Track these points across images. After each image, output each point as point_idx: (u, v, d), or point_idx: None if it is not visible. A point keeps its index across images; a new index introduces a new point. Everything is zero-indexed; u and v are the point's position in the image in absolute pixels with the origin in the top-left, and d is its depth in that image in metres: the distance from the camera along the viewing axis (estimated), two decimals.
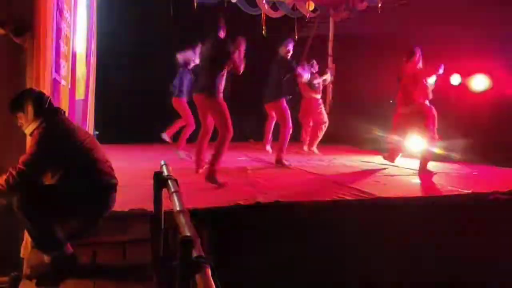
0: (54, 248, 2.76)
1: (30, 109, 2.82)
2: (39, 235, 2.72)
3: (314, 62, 7.81)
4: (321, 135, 7.73)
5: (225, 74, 5.05)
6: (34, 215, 2.66)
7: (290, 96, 6.61)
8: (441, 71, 5.83)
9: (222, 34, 5.19)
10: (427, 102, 5.76)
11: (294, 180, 5.14)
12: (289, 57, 6.51)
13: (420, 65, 5.86)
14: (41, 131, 2.77)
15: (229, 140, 4.88)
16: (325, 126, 7.70)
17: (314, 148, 7.71)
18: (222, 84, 5.01)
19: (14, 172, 2.67)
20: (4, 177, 2.69)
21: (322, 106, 7.80)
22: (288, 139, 6.38)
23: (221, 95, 4.98)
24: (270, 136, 7.16)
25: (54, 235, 2.73)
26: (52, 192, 2.79)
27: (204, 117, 5.22)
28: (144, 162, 6.35)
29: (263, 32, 8.20)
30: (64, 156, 2.80)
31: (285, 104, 6.40)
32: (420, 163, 5.66)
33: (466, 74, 7.82)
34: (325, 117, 7.73)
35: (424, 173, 5.54)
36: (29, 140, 2.94)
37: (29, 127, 2.85)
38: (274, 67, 6.54)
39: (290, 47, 6.54)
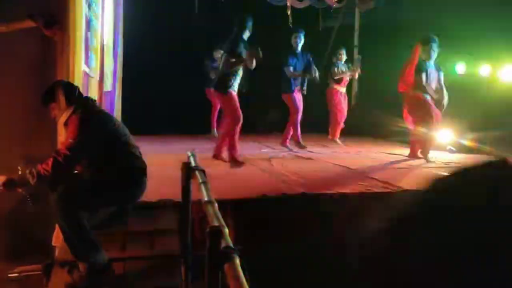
0: (91, 253, 2.69)
1: (61, 98, 2.85)
2: (75, 237, 2.64)
3: (342, 52, 7.68)
4: (338, 126, 7.62)
5: (238, 71, 5.30)
6: (71, 210, 2.63)
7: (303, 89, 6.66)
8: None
9: (246, 34, 5.27)
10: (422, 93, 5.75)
11: (319, 172, 5.11)
12: (296, 49, 6.67)
13: (426, 55, 5.78)
14: (78, 116, 2.79)
15: (237, 130, 5.31)
16: (343, 117, 7.61)
17: (337, 139, 7.62)
18: (234, 80, 5.31)
19: (59, 158, 2.67)
20: (49, 162, 2.67)
21: (340, 98, 7.63)
22: (293, 129, 6.66)
23: (230, 90, 5.26)
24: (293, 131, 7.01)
25: (90, 238, 2.69)
26: (91, 183, 2.82)
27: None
28: (171, 153, 6.41)
29: (289, 23, 8.12)
30: (103, 140, 2.84)
31: (291, 95, 6.53)
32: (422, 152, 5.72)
33: (496, 64, 7.60)
34: (344, 110, 7.64)
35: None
36: (60, 130, 2.99)
37: (62, 117, 2.87)
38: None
39: (294, 39, 6.67)
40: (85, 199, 2.73)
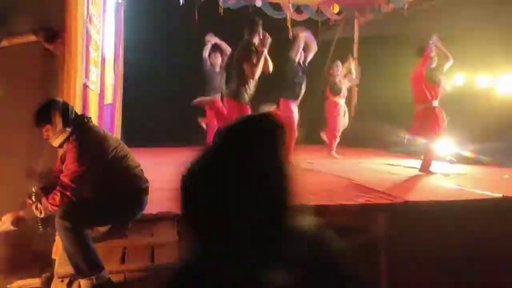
0: (93, 270, 2.68)
1: (58, 120, 2.76)
2: (78, 254, 2.64)
3: (339, 63, 7.73)
4: (335, 140, 7.64)
5: (249, 79, 5.15)
6: (77, 226, 2.63)
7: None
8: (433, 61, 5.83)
9: (255, 38, 5.23)
10: (435, 102, 5.70)
11: (319, 184, 5.10)
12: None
13: (432, 65, 5.80)
14: (76, 144, 2.75)
15: None
16: (338, 132, 7.62)
17: (333, 153, 7.60)
18: (244, 88, 5.18)
19: (67, 192, 2.65)
20: (56, 198, 2.65)
21: (340, 111, 7.67)
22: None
23: (239, 99, 5.15)
24: None
25: (92, 255, 2.69)
26: (92, 202, 2.82)
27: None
28: (171, 166, 6.42)
29: (290, 36, 8.18)
30: (102, 165, 2.81)
31: (288, 105, 6.44)
32: (423, 162, 5.69)
33: (495, 74, 7.64)
34: (340, 124, 7.64)
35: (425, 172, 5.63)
36: (59, 150, 2.98)
37: (57, 139, 2.81)
38: None
39: None
40: (87, 217, 2.74)
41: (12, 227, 2.66)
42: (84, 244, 2.65)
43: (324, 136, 7.75)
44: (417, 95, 5.85)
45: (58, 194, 2.66)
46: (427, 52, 5.82)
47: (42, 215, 2.68)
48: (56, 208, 2.65)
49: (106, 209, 2.85)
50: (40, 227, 2.84)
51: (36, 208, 2.65)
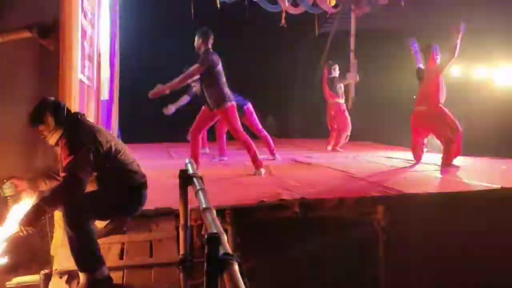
0: (95, 265, 2.66)
1: (50, 119, 2.79)
2: (82, 248, 2.63)
3: (336, 66, 7.77)
4: (346, 138, 7.77)
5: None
6: (82, 219, 2.63)
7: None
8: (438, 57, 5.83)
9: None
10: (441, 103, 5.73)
11: (318, 178, 5.10)
12: None
13: (439, 62, 5.79)
14: (69, 140, 2.75)
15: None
16: (349, 130, 7.74)
17: (338, 148, 7.71)
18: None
19: (73, 184, 2.63)
20: (63, 189, 2.64)
21: (344, 113, 7.79)
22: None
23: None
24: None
25: (96, 250, 2.68)
26: (91, 197, 2.81)
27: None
28: (168, 161, 6.43)
29: (283, 23, 8.13)
30: (96, 158, 2.78)
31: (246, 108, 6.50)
32: (443, 158, 5.61)
33: (492, 66, 7.64)
34: (349, 121, 7.75)
35: (448, 167, 5.52)
36: (57, 148, 2.97)
37: (52, 138, 2.83)
38: None
39: None
40: (92, 211, 2.73)
41: (30, 228, 2.60)
42: (89, 238, 2.65)
43: (331, 144, 7.77)
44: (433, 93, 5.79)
45: (65, 184, 2.65)
46: (435, 49, 5.79)
47: (52, 208, 2.65)
48: (64, 199, 2.63)
49: (108, 202, 2.85)
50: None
51: (44, 202, 2.60)
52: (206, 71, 5.11)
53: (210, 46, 5.22)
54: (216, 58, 5.16)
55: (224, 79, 5.23)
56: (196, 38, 5.25)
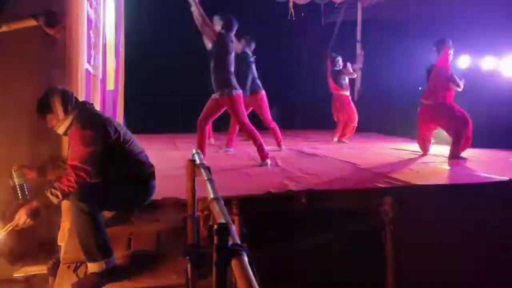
0: (103, 255, 2.66)
1: (59, 108, 2.79)
2: (90, 238, 2.62)
3: (339, 58, 7.72)
4: (353, 129, 7.75)
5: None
6: (93, 208, 2.61)
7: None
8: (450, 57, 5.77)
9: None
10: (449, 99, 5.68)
11: (325, 169, 5.08)
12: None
13: (451, 57, 5.73)
14: (79, 128, 2.75)
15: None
16: (356, 121, 7.71)
17: (344, 139, 7.69)
18: None
19: (82, 173, 2.62)
20: (71, 179, 2.60)
21: (350, 104, 7.76)
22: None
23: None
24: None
25: (104, 240, 2.68)
26: (104, 185, 2.82)
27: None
28: (175, 151, 6.42)
29: (291, 14, 8.09)
30: (106, 149, 2.78)
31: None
32: (451, 150, 5.58)
33: (500, 58, 7.54)
34: (355, 113, 7.73)
35: (455, 159, 5.49)
36: (64, 138, 2.96)
37: (61, 127, 2.83)
38: None
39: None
40: (102, 200, 2.73)
41: (29, 221, 2.60)
42: (98, 228, 2.64)
43: (337, 135, 7.74)
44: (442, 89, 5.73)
45: (73, 174, 2.62)
46: (448, 44, 5.72)
47: (59, 200, 2.62)
48: (72, 190, 2.61)
49: (117, 192, 2.84)
50: (19, 196, 2.79)
51: (52, 193, 2.59)
52: (220, 53, 5.14)
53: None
54: (232, 47, 5.24)
55: (233, 69, 5.25)
56: (218, 20, 5.27)
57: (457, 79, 5.69)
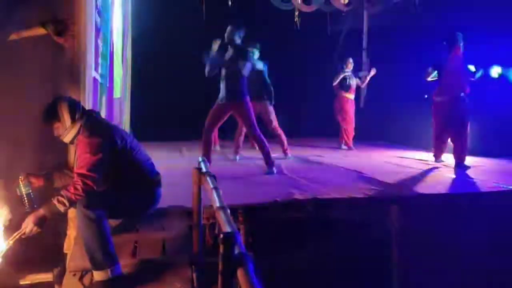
0: (109, 263, 2.64)
1: (66, 116, 2.80)
2: (96, 246, 2.61)
3: (350, 60, 7.70)
4: (350, 135, 7.75)
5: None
6: (100, 216, 2.61)
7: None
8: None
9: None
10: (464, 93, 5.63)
11: (330, 177, 5.07)
12: None
13: (462, 49, 5.69)
14: (87, 136, 2.76)
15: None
16: (351, 127, 7.73)
17: (351, 145, 7.70)
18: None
19: (88, 181, 2.62)
20: (78, 187, 2.61)
21: (351, 107, 7.77)
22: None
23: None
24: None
25: (110, 248, 2.67)
26: (111, 193, 2.83)
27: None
28: (181, 159, 6.43)
29: (296, 24, 8.12)
30: (112, 157, 2.79)
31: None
32: (455, 156, 5.55)
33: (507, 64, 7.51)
34: (352, 120, 7.74)
35: (460, 168, 5.43)
36: (71, 146, 2.97)
37: (68, 135, 2.83)
38: None
39: None
40: (109, 208, 2.73)
41: (36, 229, 2.60)
42: (104, 236, 2.63)
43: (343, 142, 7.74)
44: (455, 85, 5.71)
45: (80, 182, 2.62)
46: (458, 37, 5.68)
47: (66, 208, 2.63)
48: (79, 198, 2.61)
49: (123, 200, 2.85)
50: (27, 205, 2.79)
51: (59, 201, 2.59)
52: (236, 61, 5.24)
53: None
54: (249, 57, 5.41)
55: (246, 76, 5.35)
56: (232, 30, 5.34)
57: (473, 68, 5.68)
